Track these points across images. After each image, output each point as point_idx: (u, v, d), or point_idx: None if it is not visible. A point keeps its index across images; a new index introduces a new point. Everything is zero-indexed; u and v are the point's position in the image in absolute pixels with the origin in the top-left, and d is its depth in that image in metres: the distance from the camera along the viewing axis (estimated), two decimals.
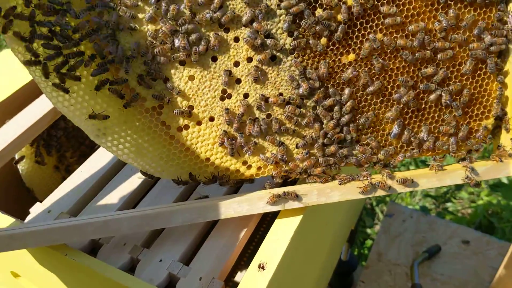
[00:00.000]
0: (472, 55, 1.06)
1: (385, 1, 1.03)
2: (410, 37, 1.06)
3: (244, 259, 1.49)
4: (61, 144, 1.53)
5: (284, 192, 1.06)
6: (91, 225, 1.00)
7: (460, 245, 2.06)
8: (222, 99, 1.06)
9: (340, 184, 1.10)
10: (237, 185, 1.14)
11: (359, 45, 1.05)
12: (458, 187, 3.21)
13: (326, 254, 1.65)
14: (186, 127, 1.06)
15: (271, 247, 1.03)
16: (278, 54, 1.04)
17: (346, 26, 1.03)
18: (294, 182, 1.16)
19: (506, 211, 2.85)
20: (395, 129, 1.10)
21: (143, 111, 1.04)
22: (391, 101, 1.09)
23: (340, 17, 1.02)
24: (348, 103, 1.07)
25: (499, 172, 1.13)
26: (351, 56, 1.05)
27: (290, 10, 1.00)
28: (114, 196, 1.17)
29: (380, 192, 1.11)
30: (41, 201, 1.17)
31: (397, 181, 1.10)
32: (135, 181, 1.22)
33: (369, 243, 2.80)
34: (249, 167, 1.11)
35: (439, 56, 1.06)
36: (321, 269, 1.65)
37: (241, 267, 1.48)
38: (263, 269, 1.00)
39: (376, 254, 2.04)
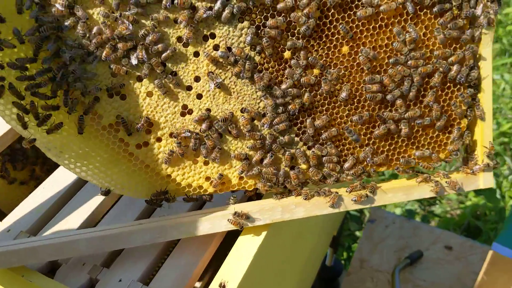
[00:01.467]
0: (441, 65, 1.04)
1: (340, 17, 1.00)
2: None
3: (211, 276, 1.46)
4: (27, 158, 1.50)
5: (236, 212, 1.04)
6: (48, 248, 0.98)
7: (443, 250, 2.04)
8: (182, 114, 1.03)
9: (305, 199, 1.08)
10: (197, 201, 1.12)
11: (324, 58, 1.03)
12: None
13: (304, 263, 1.63)
14: (146, 144, 1.04)
15: (233, 265, 1.01)
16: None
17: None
18: (260, 197, 1.14)
19: (491, 213, 2.83)
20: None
21: (100, 129, 1.02)
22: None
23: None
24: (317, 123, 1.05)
25: (469, 185, 1.11)
26: (317, 71, 1.03)
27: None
28: (76, 213, 1.15)
29: (346, 207, 1.09)
30: None
31: (364, 195, 1.07)
32: (98, 197, 1.19)
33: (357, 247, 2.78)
34: (212, 182, 1.09)
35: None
36: (299, 279, 1.63)
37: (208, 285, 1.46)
38: None
39: (358, 261, 2.02)
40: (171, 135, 1.04)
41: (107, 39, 0.95)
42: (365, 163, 1.09)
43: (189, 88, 1.01)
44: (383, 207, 3.14)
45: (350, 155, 1.09)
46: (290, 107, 1.03)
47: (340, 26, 0.99)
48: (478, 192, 2.81)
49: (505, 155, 3.23)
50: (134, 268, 1.04)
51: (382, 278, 1.95)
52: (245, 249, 1.03)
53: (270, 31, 0.98)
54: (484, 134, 1.09)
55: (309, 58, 1.01)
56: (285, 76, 1.02)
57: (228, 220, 1.04)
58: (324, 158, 1.08)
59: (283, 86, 1.02)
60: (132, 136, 1.02)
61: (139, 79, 1.00)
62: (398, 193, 1.08)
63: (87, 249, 1.00)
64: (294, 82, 1.02)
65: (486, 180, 1.10)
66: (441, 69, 1.03)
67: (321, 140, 1.07)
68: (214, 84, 1.00)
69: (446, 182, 1.10)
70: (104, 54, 0.95)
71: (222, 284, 0.99)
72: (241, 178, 1.09)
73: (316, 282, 2.38)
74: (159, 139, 1.04)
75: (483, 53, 1.04)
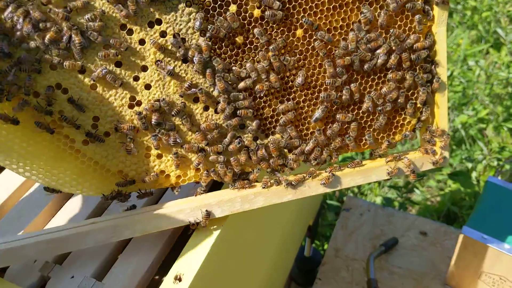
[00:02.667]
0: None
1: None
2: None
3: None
4: None
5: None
6: None
7: (418, 236, 2.03)
8: (131, 106, 0.99)
9: (263, 188, 1.05)
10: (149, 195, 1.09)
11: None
12: (426, 176, 3.20)
13: (275, 252, 1.61)
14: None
15: (189, 257, 0.99)
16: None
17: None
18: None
19: (467, 199, 2.85)
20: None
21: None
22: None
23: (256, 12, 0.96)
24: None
25: (426, 165, 1.10)
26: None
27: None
28: (24, 215, 1.10)
29: (306, 193, 1.07)
30: None
31: (322, 181, 1.05)
32: (47, 197, 1.15)
33: None
34: (167, 176, 1.05)
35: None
36: (271, 270, 1.61)
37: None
38: (180, 281, 0.96)
39: (333, 250, 2.01)
40: (116, 129, 0.99)
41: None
42: (326, 147, 1.07)
43: (136, 78, 0.97)
44: (360, 196, 3.14)
45: (310, 139, 1.07)
46: (257, 87, 1.00)
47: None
48: (454, 178, 2.82)
49: (480, 140, 3.24)
50: (87, 264, 1.01)
51: (358, 267, 1.94)
52: (202, 241, 1.01)
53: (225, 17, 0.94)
54: (440, 115, 1.07)
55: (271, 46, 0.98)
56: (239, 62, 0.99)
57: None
58: (284, 143, 1.05)
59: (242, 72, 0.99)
60: (78, 132, 0.97)
61: (81, 71, 0.95)
62: (356, 176, 1.06)
63: (35, 254, 0.95)
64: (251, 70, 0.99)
65: (442, 159, 1.10)
66: (394, 47, 1.01)
67: (280, 124, 1.04)
68: (166, 72, 0.97)
69: (403, 162, 1.08)
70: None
71: (178, 276, 0.96)
72: (197, 170, 1.06)
73: (296, 273, 2.38)
74: (107, 134, 1.00)
75: (439, 32, 1.02)
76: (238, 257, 1.24)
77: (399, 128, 1.09)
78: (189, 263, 0.97)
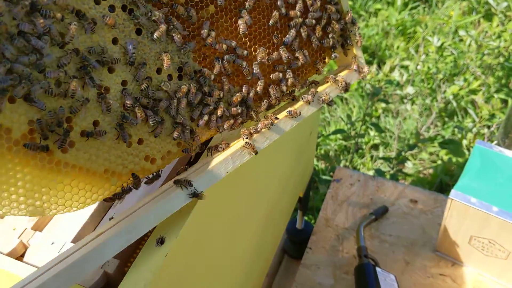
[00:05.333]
0: None
1: None
2: None
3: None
4: None
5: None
6: None
7: (408, 204, 2.03)
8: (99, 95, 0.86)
9: (246, 138, 1.03)
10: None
11: None
12: (419, 149, 3.21)
13: (263, 223, 1.61)
14: (72, 143, 0.84)
15: (171, 219, 0.98)
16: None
17: None
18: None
19: (458, 168, 2.85)
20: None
21: (12, 146, 0.76)
22: None
23: None
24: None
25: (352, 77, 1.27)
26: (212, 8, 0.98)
27: None
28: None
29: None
30: None
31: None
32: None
33: None
34: (153, 160, 0.98)
35: None
36: (258, 239, 1.61)
37: None
38: (162, 244, 0.95)
39: (323, 219, 2.01)
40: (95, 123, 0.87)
41: None
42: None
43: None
44: (351, 167, 3.14)
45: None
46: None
47: None
48: (444, 146, 2.82)
49: (471, 109, 3.23)
50: (67, 230, 0.99)
51: (348, 236, 1.94)
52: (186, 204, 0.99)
53: None
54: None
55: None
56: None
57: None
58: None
59: None
60: (51, 140, 0.81)
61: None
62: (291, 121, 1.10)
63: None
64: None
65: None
66: None
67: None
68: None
69: (335, 83, 1.21)
70: None
71: (160, 239, 0.95)
72: (179, 144, 1.01)
73: (288, 246, 2.38)
74: (82, 132, 0.86)
75: None
76: (222, 223, 1.23)
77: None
78: (172, 225, 0.96)
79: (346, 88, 1.22)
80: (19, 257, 0.97)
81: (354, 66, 1.26)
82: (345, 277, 1.80)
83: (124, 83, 0.89)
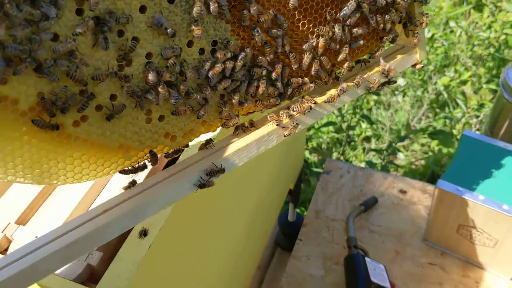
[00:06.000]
0: None
1: None
2: None
3: None
4: None
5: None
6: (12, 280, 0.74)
7: (398, 195, 2.04)
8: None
9: (277, 125, 0.95)
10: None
11: None
12: (411, 141, 3.22)
13: (252, 215, 1.61)
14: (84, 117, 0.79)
15: None
16: None
17: None
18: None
19: (448, 158, 2.86)
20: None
21: (18, 117, 0.73)
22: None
23: None
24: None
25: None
26: None
27: None
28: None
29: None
30: None
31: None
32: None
33: None
34: (174, 137, 0.91)
35: None
36: (248, 231, 1.61)
37: None
38: (145, 236, 0.95)
39: (313, 211, 2.02)
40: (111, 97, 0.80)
41: None
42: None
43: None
44: (343, 159, 3.15)
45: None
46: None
47: None
48: (433, 137, 2.83)
49: (462, 101, 3.24)
50: (51, 224, 0.99)
51: (338, 227, 1.95)
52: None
53: None
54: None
55: None
56: None
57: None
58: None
59: None
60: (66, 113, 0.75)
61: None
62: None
63: (58, 265, 0.78)
64: None
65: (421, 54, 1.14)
66: None
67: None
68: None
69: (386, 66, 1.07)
70: None
71: (143, 231, 0.95)
72: (203, 122, 0.94)
73: (281, 238, 2.39)
74: (98, 107, 0.79)
75: None
76: (209, 215, 1.23)
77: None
78: (155, 217, 0.96)
79: (389, 80, 1.08)
80: (3, 251, 0.97)
81: (415, 56, 1.12)
82: (335, 268, 1.82)
83: (148, 55, 0.80)
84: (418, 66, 1.16)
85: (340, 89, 1.02)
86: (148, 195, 0.83)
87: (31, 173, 0.75)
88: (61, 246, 0.75)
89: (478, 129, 2.56)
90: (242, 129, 0.94)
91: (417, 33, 1.11)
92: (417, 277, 1.77)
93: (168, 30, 0.80)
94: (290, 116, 0.96)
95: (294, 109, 0.96)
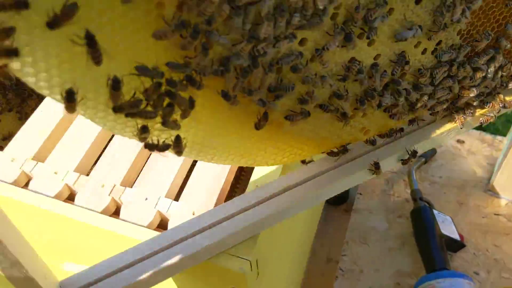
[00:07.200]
0: None
1: None
2: None
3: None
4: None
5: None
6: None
7: (455, 145, 1.99)
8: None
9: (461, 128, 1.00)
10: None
11: None
12: None
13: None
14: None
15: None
16: None
17: None
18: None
19: None
20: None
21: None
22: None
23: None
24: None
25: None
26: None
27: None
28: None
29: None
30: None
31: None
32: None
33: None
34: (367, 132, 0.90)
35: None
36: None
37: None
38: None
39: None
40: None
41: None
42: None
43: None
44: None
45: None
46: None
47: None
48: None
49: None
50: (71, 159, 0.97)
51: (397, 179, 1.92)
52: None
53: None
54: None
55: None
56: None
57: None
58: None
59: None
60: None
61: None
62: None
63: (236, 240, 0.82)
64: None
65: None
66: None
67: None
68: None
69: None
70: None
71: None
72: (366, 132, 0.91)
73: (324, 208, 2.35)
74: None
75: None
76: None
77: None
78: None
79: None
80: (113, 214, 0.93)
81: None
82: (399, 221, 1.79)
83: (376, 57, 0.77)
84: None
85: None
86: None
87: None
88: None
89: None
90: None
91: None
92: (483, 227, 1.75)
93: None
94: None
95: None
